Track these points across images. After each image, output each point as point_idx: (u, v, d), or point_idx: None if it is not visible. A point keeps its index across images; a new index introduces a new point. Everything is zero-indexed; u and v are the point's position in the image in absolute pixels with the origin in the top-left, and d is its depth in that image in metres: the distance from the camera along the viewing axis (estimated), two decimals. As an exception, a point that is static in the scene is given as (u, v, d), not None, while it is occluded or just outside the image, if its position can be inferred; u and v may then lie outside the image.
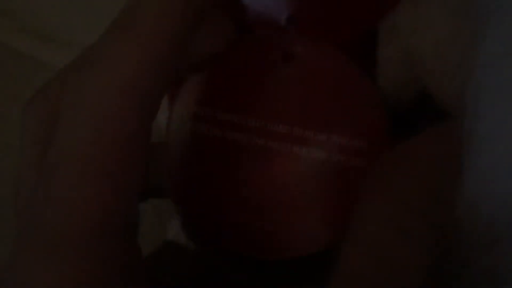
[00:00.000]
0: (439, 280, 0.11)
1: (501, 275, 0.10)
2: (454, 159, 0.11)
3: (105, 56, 0.13)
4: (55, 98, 0.13)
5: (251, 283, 0.17)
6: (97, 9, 0.23)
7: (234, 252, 0.15)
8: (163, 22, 0.13)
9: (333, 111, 0.15)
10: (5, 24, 0.27)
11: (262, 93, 0.16)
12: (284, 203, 0.15)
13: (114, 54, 0.13)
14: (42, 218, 0.12)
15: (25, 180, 0.14)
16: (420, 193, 0.12)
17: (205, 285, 0.17)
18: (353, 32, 0.16)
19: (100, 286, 0.12)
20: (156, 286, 0.15)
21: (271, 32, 0.16)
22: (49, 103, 0.14)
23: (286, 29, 0.16)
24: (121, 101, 0.12)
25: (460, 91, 0.13)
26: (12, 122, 0.25)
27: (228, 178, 0.16)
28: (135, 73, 0.13)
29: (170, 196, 0.16)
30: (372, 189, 0.13)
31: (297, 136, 0.15)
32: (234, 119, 0.16)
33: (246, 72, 0.16)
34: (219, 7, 0.15)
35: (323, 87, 0.16)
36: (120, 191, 0.12)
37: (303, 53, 0.16)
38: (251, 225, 0.15)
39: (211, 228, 0.16)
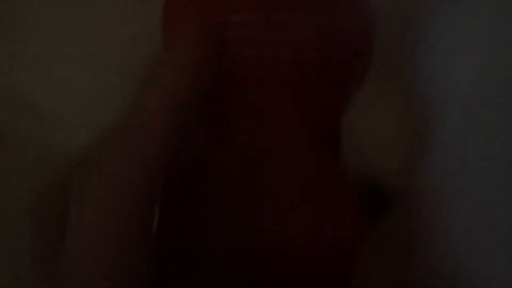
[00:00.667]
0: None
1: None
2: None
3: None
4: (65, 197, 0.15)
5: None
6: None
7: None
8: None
9: (312, 202, 0.17)
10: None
11: (246, 187, 0.17)
12: None
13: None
14: None
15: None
16: None
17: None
18: (319, 127, 0.17)
19: None
20: None
21: (247, 135, 0.18)
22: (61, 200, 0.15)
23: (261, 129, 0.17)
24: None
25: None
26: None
27: None
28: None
29: None
30: None
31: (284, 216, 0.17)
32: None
33: (227, 172, 0.17)
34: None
35: (297, 177, 0.17)
36: None
37: (278, 148, 0.17)
38: None
39: None
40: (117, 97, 0.21)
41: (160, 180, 0.15)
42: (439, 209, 0.17)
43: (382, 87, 0.19)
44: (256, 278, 0.16)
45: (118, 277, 0.14)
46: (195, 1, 0.17)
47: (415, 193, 0.18)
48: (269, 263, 0.16)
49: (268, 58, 0.16)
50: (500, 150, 0.16)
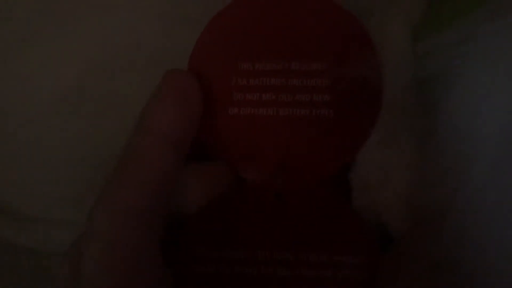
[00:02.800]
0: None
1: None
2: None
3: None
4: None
5: None
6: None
7: None
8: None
9: (327, 234, 0.18)
10: None
11: (263, 227, 0.18)
12: None
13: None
14: None
15: None
16: None
17: None
18: (330, 170, 0.18)
19: None
20: None
21: (264, 177, 0.19)
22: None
23: (276, 174, 0.18)
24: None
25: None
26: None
27: None
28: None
29: None
30: None
31: (303, 260, 0.17)
32: (241, 254, 0.18)
33: (246, 211, 0.18)
34: (219, 159, 0.18)
35: (312, 216, 0.18)
36: None
37: (291, 192, 0.18)
38: None
39: None
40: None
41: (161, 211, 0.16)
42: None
43: (395, 127, 0.19)
44: None
45: None
46: (223, 48, 0.18)
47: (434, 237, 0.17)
48: None
49: (286, 103, 0.18)
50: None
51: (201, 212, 0.18)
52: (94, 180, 0.22)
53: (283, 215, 0.18)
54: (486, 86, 0.16)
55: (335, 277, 0.17)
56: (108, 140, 0.22)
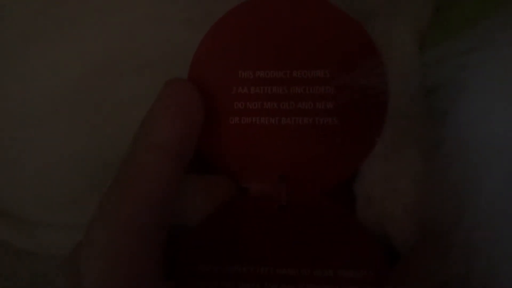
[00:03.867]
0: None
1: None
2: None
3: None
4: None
5: None
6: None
7: None
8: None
9: (331, 248, 0.17)
10: None
11: (266, 241, 0.17)
12: None
13: None
14: None
15: None
16: None
17: None
18: (335, 181, 0.18)
19: None
20: None
21: (267, 188, 0.18)
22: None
23: (279, 185, 0.18)
24: None
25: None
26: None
27: None
28: None
29: None
30: None
31: (306, 275, 0.17)
32: (244, 269, 0.17)
33: (248, 224, 0.18)
34: (220, 170, 0.18)
35: (316, 229, 0.17)
36: None
37: (294, 203, 0.18)
38: None
39: None
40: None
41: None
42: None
43: (400, 137, 0.18)
44: None
45: None
46: (223, 55, 0.18)
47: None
48: None
49: (288, 111, 0.18)
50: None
51: (202, 225, 0.17)
52: (94, 183, 0.22)
53: (286, 228, 0.17)
54: (495, 96, 0.15)
55: None
56: (109, 143, 0.22)
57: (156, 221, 0.15)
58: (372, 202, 0.18)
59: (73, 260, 0.15)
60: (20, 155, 0.23)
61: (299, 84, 0.17)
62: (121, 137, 0.17)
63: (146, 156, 0.15)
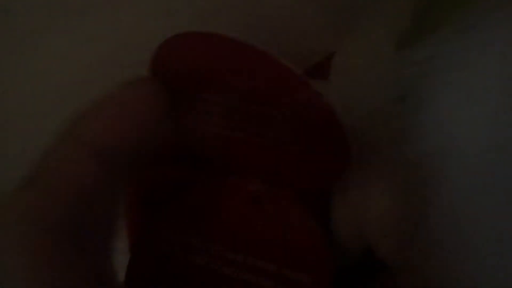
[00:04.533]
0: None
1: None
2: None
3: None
4: None
5: None
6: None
7: None
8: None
9: (285, 248, 0.17)
10: None
11: (228, 225, 0.18)
12: None
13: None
14: None
15: None
16: None
17: None
18: (309, 187, 0.18)
19: None
20: None
21: (243, 179, 0.19)
22: None
23: (254, 178, 0.18)
24: None
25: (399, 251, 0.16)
26: None
27: None
28: None
29: None
30: None
31: (249, 264, 0.17)
32: (198, 245, 0.18)
33: (218, 206, 0.18)
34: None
35: (275, 226, 0.18)
36: None
37: (267, 198, 0.18)
38: None
39: None
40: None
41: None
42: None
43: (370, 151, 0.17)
44: None
45: None
46: (182, 60, 0.18)
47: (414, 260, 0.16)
48: None
49: (255, 119, 0.17)
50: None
51: (178, 200, 0.18)
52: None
53: (251, 218, 0.18)
54: (458, 103, 0.15)
55: None
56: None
57: (70, 220, 0.14)
58: (348, 200, 0.18)
59: None
60: (21, 152, 0.22)
61: None
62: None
63: (64, 150, 0.15)
